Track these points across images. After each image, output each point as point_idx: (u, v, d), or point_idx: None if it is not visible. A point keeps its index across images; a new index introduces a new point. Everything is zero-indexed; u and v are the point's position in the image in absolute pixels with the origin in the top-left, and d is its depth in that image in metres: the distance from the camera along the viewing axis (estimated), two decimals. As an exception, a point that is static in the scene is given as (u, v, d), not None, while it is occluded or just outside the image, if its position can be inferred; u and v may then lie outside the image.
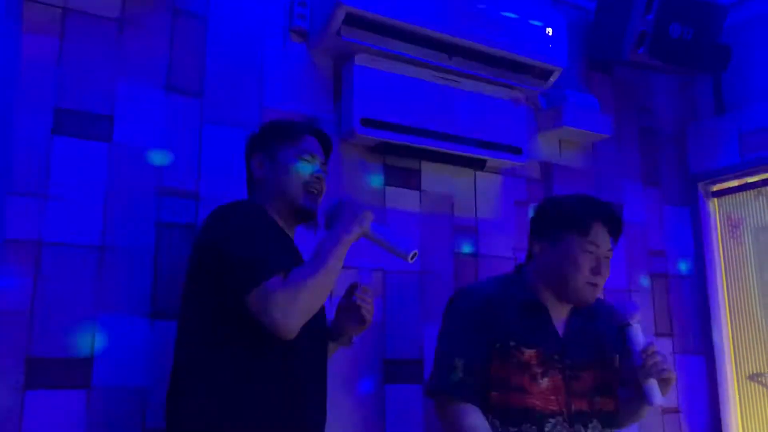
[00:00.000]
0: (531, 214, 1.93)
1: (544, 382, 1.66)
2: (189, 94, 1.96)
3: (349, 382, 2.04)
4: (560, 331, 1.74)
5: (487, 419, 1.63)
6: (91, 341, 1.69)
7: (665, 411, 2.72)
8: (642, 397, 1.65)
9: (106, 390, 1.69)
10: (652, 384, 1.60)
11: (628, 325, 1.66)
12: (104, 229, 1.76)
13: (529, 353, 1.67)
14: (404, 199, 2.28)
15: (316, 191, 1.62)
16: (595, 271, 1.69)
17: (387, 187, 2.25)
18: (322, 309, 1.58)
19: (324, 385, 1.59)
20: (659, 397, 1.60)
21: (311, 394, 1.52)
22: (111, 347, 1.71)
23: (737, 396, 2.81)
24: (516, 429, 1.62)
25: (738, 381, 2.82)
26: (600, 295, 1.79)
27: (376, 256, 1.91)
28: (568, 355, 1.71)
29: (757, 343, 2.78)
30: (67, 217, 1.72)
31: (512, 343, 1.66)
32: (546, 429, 1.63)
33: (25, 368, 1.61)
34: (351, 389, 2.04)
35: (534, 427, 1.63)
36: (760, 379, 2.76)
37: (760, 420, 2.73)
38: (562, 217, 1.74)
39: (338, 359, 2.03)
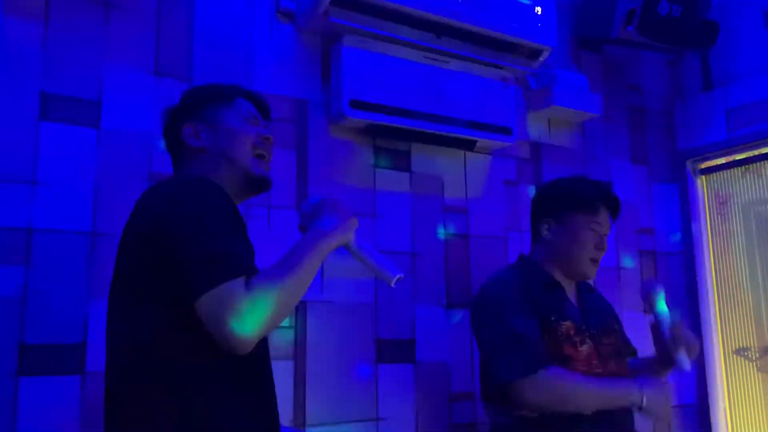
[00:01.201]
0: (533, 196, 2.03)
1: (583, 349, 1.78)
2: (177, 77, 1.94)
3: (341, 362, 2.06)
4: (577, 306, 1.88)
5: None
6: (83, 327, 1.70)
7: (653, 386, 2.77)
8: (669, 365, 1.85)
9: (100, 375, 1.68)
10: (682, 353, 1.77)
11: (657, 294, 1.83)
12: (95, 215, 1.76)
13: (566, 325, 1.79)
14: (394, 181, 2.28)
15: (265, 155, 1.40)
16: (598, 247, 1.87)
17: (377, 169, 2.25)
18: None
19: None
20: (689, 363, 1.78)
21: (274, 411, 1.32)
22: (103, 333, 1.71)
23: (724, 370, 2.85)
24: None
25: (725, 355, 2.86)
26: None
27: (366, 236, 1.90)
28: (589, 324, 1.85)
29: (743, 318, 2.82)
30: (57, 203, 1.71)
31: (553, 318, 1.78)
32: None
33: (19, 355, 1.62)
34: (344, 369, 2.06)
35: None
36: (746, 353, 2.80)
37: (746, 393, 2.78)
38: (570, 199, 1.89)
39: (331, 340, 2.05)
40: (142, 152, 1.84)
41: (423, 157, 2.35)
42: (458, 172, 2.43)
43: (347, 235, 1.31)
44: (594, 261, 1.87)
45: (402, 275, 1.33)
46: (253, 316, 1.09)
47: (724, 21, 2.81)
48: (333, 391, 2.02)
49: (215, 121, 1.38)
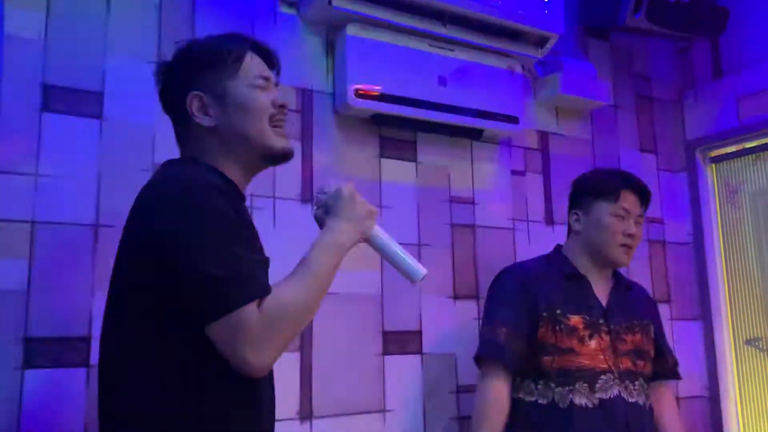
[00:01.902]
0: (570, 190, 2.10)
1: (592, 343, 1.83)
2: (179, 68, 1.92)
3: (348, 353, 2.05)
4: (603, 300, 1.92)
5: (542, 382, 1.80)
6: (88, 320, 1.69)
7: (663, 377, 2.74)
8: None
9: (105, 368, 1.69)
10: None
11: None
12: (98, 206, 1.74)
13: (575, 319, 1.84)
14: (400, 171, 2.26)
15: (282, 123, 1.29)
16: (627, 232, 1.90)
17: (382, 159, 2.23)
18: None
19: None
20: None
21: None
22: (109, 325, 1.71)
23: (734, 360, 2.82)
24: (570, 387, 1.78)
25: (735, 346, 2.83)
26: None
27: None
28: (611, 320, 1.88)
29: (754, 308, 2.79)
30: (60, 195, 1.70)
31: (558, 312, 1.84)
32: (597, 385, 1.79)
33: (24, 348, 1.61)
34: (350, 361, 2.05)
35: (585, 384, 1.79)
36: (757, 343, 2.77)
37: (758, 383, 2.75)
38: (593, 188, 1.97)
39: (337, 332, 2.04)
40: (144, 143, 1.83)
41: (429, 146, 2.32)
42: (464, 161, 2.41)
43: (366, 230, 1.26)
44: (625, 247, 1.91)
45: (427, 272, 1.28)
46: (268, 343, 1.05)
47: (735, 7, 2.77)
48: (340, 383, 2.01)
49: (223, 93, 1.25)
